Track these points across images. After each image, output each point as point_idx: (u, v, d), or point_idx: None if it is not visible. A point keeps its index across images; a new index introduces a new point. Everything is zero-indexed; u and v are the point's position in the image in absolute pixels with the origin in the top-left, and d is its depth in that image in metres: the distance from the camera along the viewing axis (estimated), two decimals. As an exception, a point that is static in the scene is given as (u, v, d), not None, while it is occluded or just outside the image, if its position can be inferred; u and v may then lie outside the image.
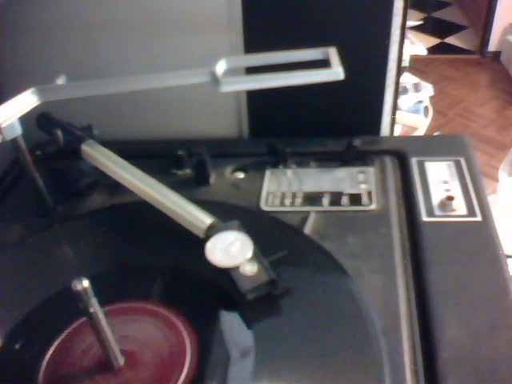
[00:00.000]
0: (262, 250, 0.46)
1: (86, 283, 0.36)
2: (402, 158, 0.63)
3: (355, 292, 0.46)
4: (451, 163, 0.61)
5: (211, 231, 0.48)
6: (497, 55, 2.63)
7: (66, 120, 0.60)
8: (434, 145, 0.67)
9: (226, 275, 0.45)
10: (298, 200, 0.58)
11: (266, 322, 0.45)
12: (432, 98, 1.44)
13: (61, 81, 0.55)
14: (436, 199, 0.56)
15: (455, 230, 0.53)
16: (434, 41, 2.80)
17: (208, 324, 0.44)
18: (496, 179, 1.39)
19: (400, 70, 0.65)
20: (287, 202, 0.58)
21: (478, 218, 0.54)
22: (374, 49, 0.63)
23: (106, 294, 0.39)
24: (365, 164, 0.63)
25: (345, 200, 0.58)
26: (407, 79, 1.40)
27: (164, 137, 0.71)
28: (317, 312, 0.45)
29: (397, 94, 0.67)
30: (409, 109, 1.37)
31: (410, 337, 0.44)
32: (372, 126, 0.69)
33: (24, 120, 0.52)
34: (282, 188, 0.60)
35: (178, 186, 0.55)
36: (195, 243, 0.48)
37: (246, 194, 0.60)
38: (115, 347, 0.40)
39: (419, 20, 2.64)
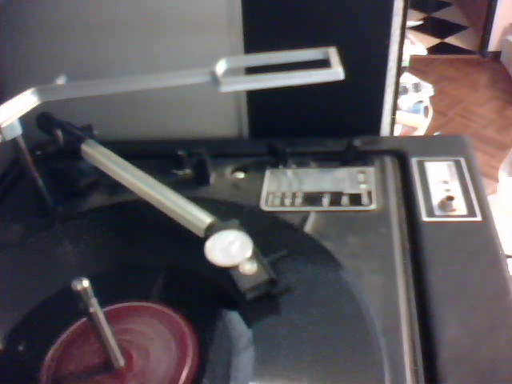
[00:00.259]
0: (262, 249, 0.46)
1: (86, 283, 0.36)
2: (402, 158, 0.63)
3: (355, 292, 0.46)
4: (451, 163, 0.61)
5: (211, 230, 0.48)
6: (497, 55, 2.63)
7: (66, 120, 0.60)
8: (434, 145, 0.67)
9: (226, 274, 0.45)
10: (298, 200, 0.58)
11: (266, 321, 0.45)
12: (432, 98, 1.44)
13: (61, 81, 0.55)
14: (436, 199, 0.56)
15: (455, 229, 0.53)
16: (434, 41, 2.80)
17: (208, 323, 0.44)
18: (496, 179, 1.39)
19: (400, 70, 0.65)
20: (287, 201, 0.58)
21: (478, 218, 0.54)
22: (374, 49, 0.63)
23: (106, 294, 0.39)
24: (365, 164, 0.63)
25: (345, 200, 0.58)
26: (407, 79, 1.40)
27: (164, 137, 0.71)
28: (317, 312, 0.45)
29: (397, 94, 0.67)
30: (409, 109, 1.37)
31: (410, 337, 0.44)
32: (372, 126, 0.69)
33: (24, 120, 0.52)
34: (281, 188, 0.60)
35: (178, 186, 0.55)
36: (195, 243, 0.48)
37: (246, 194, 0.60)
38: (115, 347, 0.40)
39: (419, 20, 2.64)
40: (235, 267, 0.45)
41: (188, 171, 0.63)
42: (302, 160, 0.64)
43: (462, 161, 0.62)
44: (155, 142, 0.71)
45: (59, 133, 0.58)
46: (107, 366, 0.40)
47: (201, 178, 0.62)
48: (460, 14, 3.05)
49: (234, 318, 0.45)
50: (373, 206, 0.57)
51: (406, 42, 0.92)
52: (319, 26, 0.62)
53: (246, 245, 0.46)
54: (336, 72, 0.50)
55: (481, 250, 0.51)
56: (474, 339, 0.43)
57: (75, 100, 0.53)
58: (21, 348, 0.43)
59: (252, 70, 0.53)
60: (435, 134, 1.69)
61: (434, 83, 1.49)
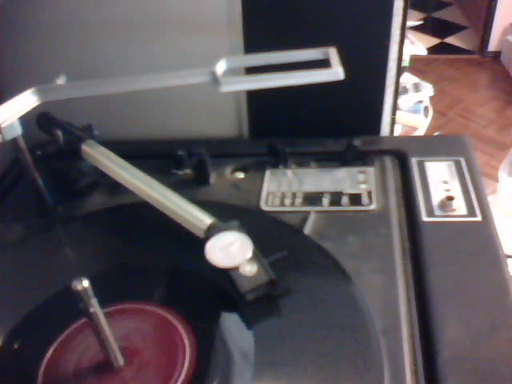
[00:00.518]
0: (262, 250, 0.46)
1: (86, 283, 0.36)
2: (402, 158, 0.63)
3: (355, 292, 0.46)
4: (451, 163, 0.61)
5: (211, 231, 0.48)
6: (497, 55, 2.63)
7: (66, 120, 0.60)
8: (434, 145, 0.67)
9: (226, 276, 0.45)
10: (298, 200, 0.58)
11: (266, 322, 0.45)
12: (432, 98, 1.44)
13: (61, 81, 0.55)
14: (436, 199, 0.56)
15: (455, 229, 0.53)
16: (434, 41, 2.80)
17: (207, 324, 0.44)
18: (496, 179, 1.39)
19: (400, 70, 0.65)
20: (287, 202, 0.58)
21: (478, 218, 0.54)
22: (374, 49, 0.63)
23: (106, 294, 0.39)
24: (365, 164, 0.63)
25: (345, 200, 0.58)
26: (407, 79, 1.40)
27: (164, 137, 0.71)
28: (317, 312, 0.45)
29: (397, 94, 0.67)
30: (409, 109, 1.37)
31: (410, 337, 0.44)
32: (372, 126, 0.69)
33: (24, 120, 0.52)
34: (282, 188, 0.60)
35: (178, 186, 0.55)
36: (195, 244, 0.48)
37: (246, 194, 0.60)
38: (115, 347, 0.40)
39: (419, 20, 2.64)
40: (235, 268, 0.45)
41: (188, 171, 0.63)
42: (302, 160, 0.64)
43: (462, 161, 0.62)
44: (155, 141, 0.71)
45: (59, 133, 0.58)
46: (107, 365, 0.40)
47: (201, 178, 0.62)
48: (460, 14, 3.05)
49: (234, 319, 0.45)
50: (373, 206, 0.57)
51: (406, 41, 0.92)
52: (319, 26, 0.62)
53: (246, 246, 0.46)
54: (336, 72, 0.50)
55: (481, 250, 0.51)
56: (474, 339, 0.43)
57: (75, 100, 0.53)
58: (15, 346, 0.43)
59: (252, 70, 0.53)
60: (435, 134, 1.68)
61: (434, 83, 1.48)
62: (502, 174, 1.33)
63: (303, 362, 0.41)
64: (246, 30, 0.63)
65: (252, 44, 0.63)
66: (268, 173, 0.63)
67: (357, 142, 0.62)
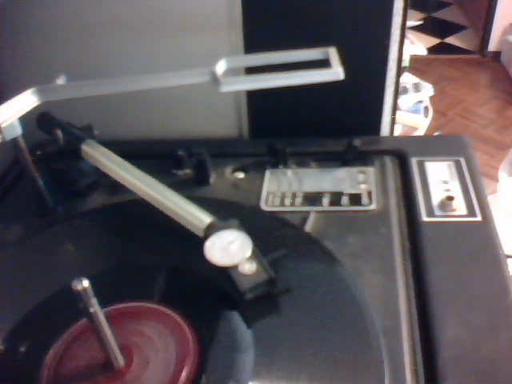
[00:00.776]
0: (261, 248, 0.46)
1: (86, 283, 0.36)
2: (402, 158, 0.63)
3: (355, 292, 0.46)
4: (451, 163, 0.61)
5: (210, 230, 0.48)
6: (497, 55, 2.63)
7: (66, 120, 0.60)
8: (434, 145, 0.67)
9: (226, 274, 0.45)
10: (298, 200, 0.58)
11: (266, 321, 0.45)
12: (432, 98, 1.44)
13: (61, 81, 0.55)
14: (436, 199, 0.56)
15: (455, 229, 0.53)
16: (434, 41, 2.80)
17: (207, 323, 0.44)
18: (496, 179, 1.39)
19: (400, 70, 0.65)
20: (287, 201, 0.58)
21: (478, 218, 0.54)
22: (374, 49, 0.63)
23: (106, 294, 0.39)
24: (365, 164, 0.63)
25: (345, 200, 0.58)
26: (407, 79, 1.40)
27: (164, 137, 0.71)
28: (316, 311, 0.45)
29: (397, 94, 0.67)
30: (409, 109, 1.37)
31: (410, 337, 0.44)
32: (372, 126, 0.69)
33: (24, 120, 0.52)
34: (281, 188, 0.60)
35: (178, 186, 0.55)
36: (195, 242, 0.48)
37: (246, 194, 0.60)
38: (115, 347, 0.40)
39: (419, 20, 2.63)
40: (235, 267, 0.45)
41: (188, 171, 0.63)
42: (302, 160, 0.64)
43: (462, 161, 0.62)
44: (155, 141, 0.71)
45: (59, 133, 0.58)
46: (107, 365, 0.40)
47: (201, 178, 0.62)
48: (460, 14, 3.05)
49: (234, 318, 0.45)
50: (373, 206, 0.57)
51: (406, 41, 0.92)
52: (319, 25, 0.62)
53: (246, 244, 0.46)
54: (336, 72, 0.50)
55: (481, 250, 0.51)
56: (474, 339, 0.43)
57: (75, 100, 0.53)
58: (22, 349, 0.43)
59: (252, 70, 0.53)
60: (435, 134, 1.69)
61: (434, 83, 1.49)
62: (502, 174, 1.33)
63: (303, 361, 0.41)
64: (246, 30, 0.63)
65: (252, 44, 0.63)
66: (268, 173, 0.63)
67: (357, 142, 0.62)
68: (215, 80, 0.51)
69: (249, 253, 0.46)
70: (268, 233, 0.53)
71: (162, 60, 0.66)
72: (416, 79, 1.42)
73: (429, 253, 0.50)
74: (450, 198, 0.55)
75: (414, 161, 0.62)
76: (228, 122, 0.71)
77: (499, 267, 0.49)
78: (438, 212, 0.55)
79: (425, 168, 0.61)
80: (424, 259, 0.50)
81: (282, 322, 0.45)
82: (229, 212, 0.51)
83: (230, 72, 0.53)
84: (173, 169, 0.63)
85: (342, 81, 0.50)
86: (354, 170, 0.62)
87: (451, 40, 2.83)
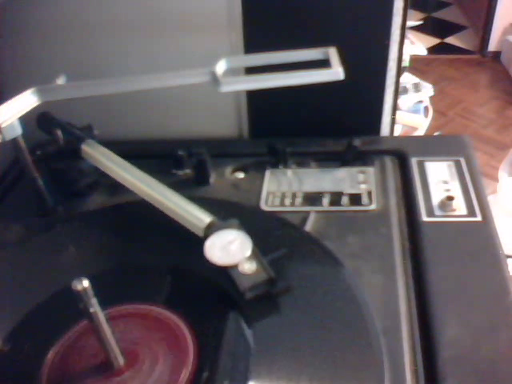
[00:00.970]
0: (261, 248, 0.46)
1: (86, 283, 0.36)
2: (402, 158, 0.63)
3: (355, 292, 0.46)
4: (451, 163, 0.61)
5: (210, 230, 0.48)
6: (497, 55, 2.63)
7: (66, 120, 0.60)
8: (434, 145, 0.67)
9: (225, 274, 0.45)
10: (298, 200, 0.58)
11: (266, 320, 0.45)
12: (432, 98, 1.44)
13: (61, 81, 0.55)
14: (436, 199, 0.56)
15: (455, 229, 0.53)
16: (433, 41, 2.80)
17: (207, 323, 0.44)
18: (496, 179, 1.39)
19: (400, 70, 0.65)
20: (287, 201, 0.58)
21: (478, 218, 0.54)
22: (374, 49, 0.63)
23: (107, 294, 0.39)
24: (365, 164, 0.63)
25: (345, 200, 0.58)
26: (407, 79, 1.40)
27: (164, 137, 0.71)
28: (316, 311, 0.45)
29: (397, 94, 0.67)
30: (409, 109, 1.37)
31: (410, 337, 0.44)
32: (372, 126, 0.69)
33: (24, 120, 0.52)
34: (282, 188, 0.60)
35: (178, 186, 0.55)
36: (194, 242, 0.48)
37: (246, 194, 0.60)
38: (115, 347, 0.40)
39: (419, 20, 2.64)
40: (234, 266, 0.45)
41: (188, 171, 0.63)
42: (302, 160, 0.64)
43: (462, 161, 0.62)
44: (155, 141, 0.71)
45: (59, 133, 0.58)
46: (107, 365, 0.40)
47: (201, 178, 0.62)
48: (460, 14, 3.05)
49: (234, 318, 0.45)
50: (373, 206, 0.57)
51: (406, 41, 0.92)
52: (319, 25, 0.62)
53: (246, 244, 0.46)
54: (336, 72, 0.50)
55: (481, 250, 0.51)
56: (474, 339, 0.43)
57: (75, 100, 0.53)
58: (22, 349, 0.43)
59: (252, 70, 0.53)
60: (435, 134, 1.69)
61: (434, 83, 1.49)
62: (502, 174, 1.33)
63: (303, 361, 0.41)
64: (246, 30, 0.63)
65: (252, 44, 0.63)
66: (268, 173, 0.63)
67: (357, 142, 0.62)
68: (215, 80, 0.51)
69: (249, 252, 0.46)
70: (268, 233, 0.53)
71: (161, 60, 0.66)
72: (416, 79, 1.42)
73: (429, 253, 0.50)
74: (450, 198, 0.55)
75: (414, 161, 0.62)
76: (228, 122, 0.71)
77: (499, 267, 0.49)
78: (437, 212, 0.55)
79: (425, 168, 0.61)
80: (424, 259, 0.50)
81: (282, 322, 0.45)
82: (229, 212, 0.51)
83: (230, 72, 0.53)
84: (173, 169, 0.63)
85: (342, 81, 0.50)
86: (353, 170, 0.62)
87: (451, 40, 2.83)
